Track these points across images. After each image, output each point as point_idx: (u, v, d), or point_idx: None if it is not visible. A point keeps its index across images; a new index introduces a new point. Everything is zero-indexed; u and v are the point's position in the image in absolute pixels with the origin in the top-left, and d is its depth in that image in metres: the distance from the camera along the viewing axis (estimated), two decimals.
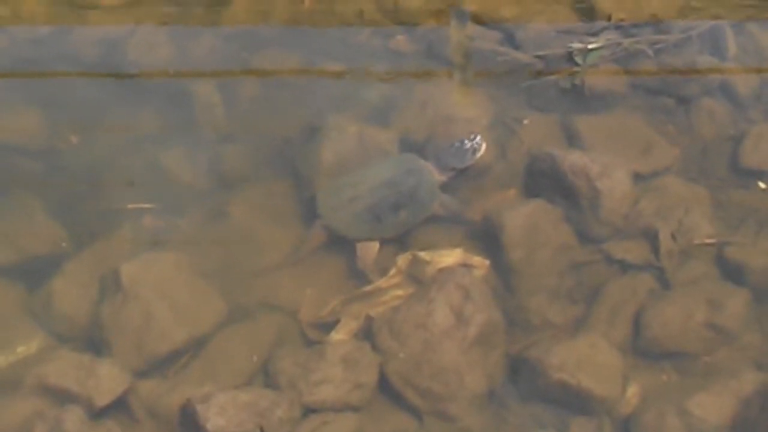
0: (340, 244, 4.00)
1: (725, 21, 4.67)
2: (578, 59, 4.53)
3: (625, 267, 3.95)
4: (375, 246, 3.97)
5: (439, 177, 4.11)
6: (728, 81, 4.46)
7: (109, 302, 3.77)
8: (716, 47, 4.60)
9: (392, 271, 3.91)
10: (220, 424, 3.46)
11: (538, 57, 4.55)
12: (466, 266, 3.89)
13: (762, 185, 4.19)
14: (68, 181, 4.21)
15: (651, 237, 3.96)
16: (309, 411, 3.61)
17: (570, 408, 3.62)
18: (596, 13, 4.71)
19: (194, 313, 3.77)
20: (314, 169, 4.15)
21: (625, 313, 3.82)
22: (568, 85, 4.48)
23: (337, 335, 3.79)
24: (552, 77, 4.50)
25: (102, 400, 3.56)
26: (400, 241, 4.02)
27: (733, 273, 3.91)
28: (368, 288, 3.89)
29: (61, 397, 3.56)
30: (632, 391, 3.67)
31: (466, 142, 4.13)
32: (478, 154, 4.14)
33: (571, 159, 4.03)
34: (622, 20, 4.67)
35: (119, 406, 3.60)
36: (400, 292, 3.87)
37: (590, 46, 4.55)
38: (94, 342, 3.76)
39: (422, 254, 3.94)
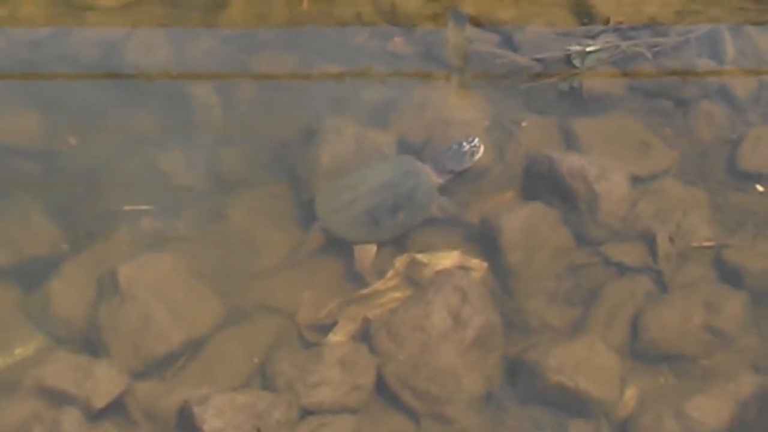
0: (338, 246, 4.00)
1: (723, 24, 4.67)
2: (576, 62, 4.53)
3: (623, 270, 3.95)
4: (373, 248, 3.97)
5: (437, 179, 4.11)
6: (726, 84, 4.46)
7: (106, 304, 3.77)
8: (714, 50, 4.60)
9: (390, 274, 3.91)
10: (218, 426, 3.46)
11: (536, 59, 4.55)
12: (463, 268, 3.89)
13: (760, 188, 4.18)
14: (66, 182, 4.21)
15: (649, 240, 3.96)
16: (307, 413, 3.60)
17: (568, 410, 3.62)
18: (594, 15, 4.71)
19: (192, 315, 3.77)
20: (312, 172, 4.15)
21: (623, 315, 3.81)
22: (566, 87, 4.48)
23: (335, 337, 3.79)
24: (550, 80, 4.50)
25: (99, 401, 3.56)
26: (397, 244, 4.02)
27: (731, 276, 3.91)
28: (366, 290, 3.89)
29: (59, 398, 3.56)
30: (630, 393, 3.66)
31: (464, 144, 4.13)
32: (476, 157, 4.14)
33: (569, 161, 4.03)
34: (620, 23, 4.67)
35: (116, 407, 3.60)
36: (397, 295, 3.87)
37: (588, 49, 4.55)
38: (91, 343, 3.76)
39: (420, 256, 3.94)
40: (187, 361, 3.75)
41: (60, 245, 4.00)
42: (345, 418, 3.61)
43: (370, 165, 4.15)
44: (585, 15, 4.73)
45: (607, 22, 4.68)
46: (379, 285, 3.89)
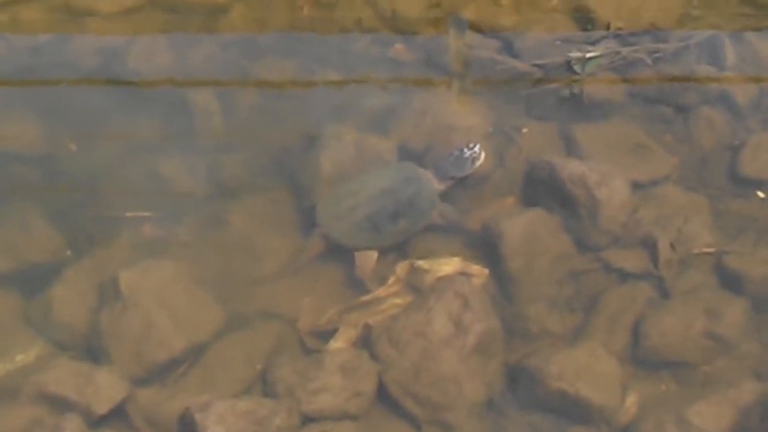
0: (339, 252, 4.00)
1: (723, 30, 4.68)
2: (577, 68, 4.53)
3: (623, 276, 3.95)
4: (374, 255, 3.97)
5: (438, 186, 4.11)
6: (727, 90, 4.47)
7: (108, 310, 3.77)
8: (714, 56, 4.60)
9: (391, 280, 3.91)
10: None
11: (537, 66, 4.55)
12: (464, 275, 3.89)
13: (761, 194, 4.19)
14: (67, 188, 4.21)
15: (650, 246, 3.96)
16: (307, 419, 3.60)
17: (569, 417, 3.62)
18: (595, 22, 4.71)
19: (193, 321, 3.77)
20: (313, 178, 4.15)
21: (624, 322, 3.81)
22: (566, 93, 4.48)
23: (336, 344, 3.79)
24: (551, 86, 4.50)
25: (101, 408, 3.56)
26: (398, 250, 4.02)
27: (731, 282, 3.91)
28: (367, 297, 3.89)
29: (60, 405, 3.56)
30: (631, 400, 3.66)
31: (465, 150, 4.13)
32: (477, 163, 4.14)
33: (570, 168, 4.03)
34: (620, 29, 4.67)
35: (118, 414, 3.60)
36: (398, 301, 3.87)
37: (589, 55, 4.55)
38: (92, 350, 3.76)
39: (421, 263, 3.94)
40: (189, 367, 3.75)
41: (61, 251, 4.00)
42: (346, 425, 3.61)
43: (371, 171, 4.15)
44: (585, 21, 4.73)
45: (607, 28, 4.69)
46: (380, 291, 3.89)
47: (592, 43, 4.62)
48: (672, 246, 3.95)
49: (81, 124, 4.39)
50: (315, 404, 3.61)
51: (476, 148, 4.14)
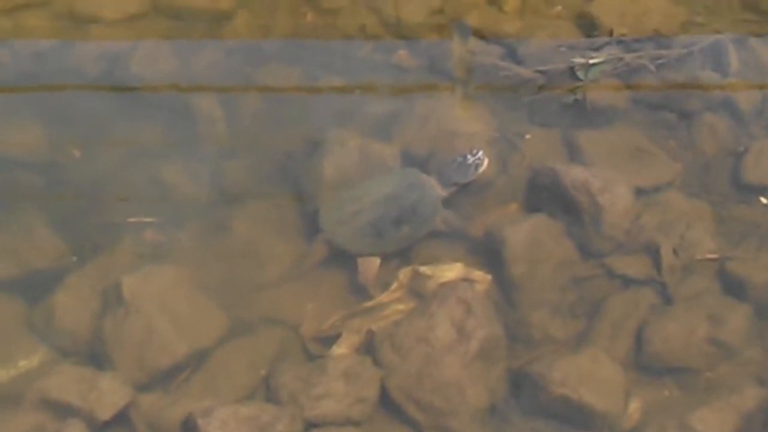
0: (342, 258, 4.00)
1: (727, 36, 4.68)
2: (580, 74, 4.53)
3: (626, 282, 3.95)
4: (376, 261, 3.97)
5: (442, 192, 4.11)
6: (730, 96, 4.47)
7: (110, 316, 3.77)
8: (718, 62, 4.60)
9: (394, 286, 3.91)
10: None
11: (540, 72, 4.55)
12: (467, 281, 3.89)
13: (764, 200, 4.18)
14: (70, 194, 4.21)
15: (653, 252, 3.96)
16: (310, 425, 3.60)
17: (572, 423, 3.62)
18: (598, 28, 4.71)
19: (196, 327, 3.77)
20: (316, 184, 4.15)
21: (627, 328, 3.81)
22: (569, 100, 4.48)
23: (339, 349, 3.79)
24: (554, 92, 4.50)
25: (104, 414, 3.56)
26: (401, 256, 4.02)
27: (734, 288, 3.91)
28: (370, 302, 3.89)
29: (63, 411, 3.56)
30: (634, 406, 3.66)
31: (469, 156, 4.14)
32: (481, 169, 4.14)
33: (573, 174, 4.03)
34: (623, 35, 4.67)
35: (121, 419, 3.60)
36: (401, 307, 3.87)
37: (592, 61, 4.55)
38: (95, 356, 3.76)
39: (424, 269, 3.94)
40: (191, 373, 3.75)
41: (64, 257, 4.00)
42: (348, 431, 3.61)
43: (374, 177, 4.15)
44: (588, 27, 4.73)
45: (610, 34, 4.68)
46: (383, 297, 3.89)
47: (596, 50, 4.62)
48: (675, 252, 3.95)
49: (85, 130, 4.40)
50: (318, 410, 3.61)
51: (479, 155, 4.14)
